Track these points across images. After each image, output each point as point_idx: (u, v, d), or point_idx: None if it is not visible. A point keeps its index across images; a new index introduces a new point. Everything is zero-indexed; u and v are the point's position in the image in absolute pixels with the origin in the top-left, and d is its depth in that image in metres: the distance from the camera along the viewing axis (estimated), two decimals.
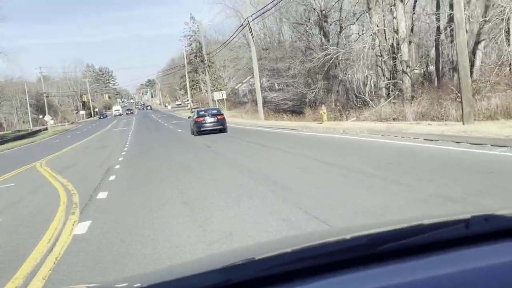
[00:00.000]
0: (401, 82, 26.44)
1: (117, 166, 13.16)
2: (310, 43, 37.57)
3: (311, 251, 1.20)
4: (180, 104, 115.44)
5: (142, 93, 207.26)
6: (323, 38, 34.64)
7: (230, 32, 55.67)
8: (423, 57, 27.32)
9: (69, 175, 12.63)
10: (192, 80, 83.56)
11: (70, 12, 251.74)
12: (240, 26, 32.21)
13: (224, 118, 25.19)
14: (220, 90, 58.99)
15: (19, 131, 78.78)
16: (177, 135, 27.46)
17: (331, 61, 29.48)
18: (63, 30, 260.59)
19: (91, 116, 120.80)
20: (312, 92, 34.95)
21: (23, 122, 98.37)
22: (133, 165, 13.23)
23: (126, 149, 20.45)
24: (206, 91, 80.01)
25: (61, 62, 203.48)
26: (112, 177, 10.89)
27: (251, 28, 29.60)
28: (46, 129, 72.54)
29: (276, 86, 46.03)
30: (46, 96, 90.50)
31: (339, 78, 34.28)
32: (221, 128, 24.12)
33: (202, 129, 23.73)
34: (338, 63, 32.54)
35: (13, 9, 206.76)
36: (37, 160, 19.74)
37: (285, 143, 15.28)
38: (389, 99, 26.50)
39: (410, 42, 26.61)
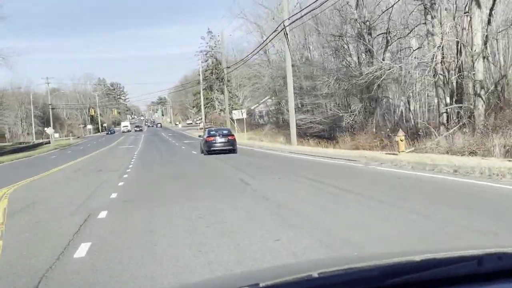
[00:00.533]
0: (471, 106, 21.33)
1: (103, 214, 7.93)
2: (347, 59, 32.70)
3: (320, 280, 1.15)
4: (191, 123, 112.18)
5: (153, 111, 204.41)
6: (365, 54, 29.77)
7: (250, 49, 51.22)
8: (500, 78, 22.21)
9: (20, 225, 7.54)
10: (206, 98, 79.05)
11: (83, 28, 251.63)
12: (274, 31, 27.38)
13: (234, 139, 24.67)
14: (236, 109, 54.11)
15: (20, 143, 74.69)
16: (192, 159, 22.63)
17: (381, 78, 24.45)
18: (75, 45, 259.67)
19: (98, 131, 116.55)
20: (350, 116, 29.86)
21: (28, 133, 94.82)
22: (129, 214, 8.06)
23: (126, 176, 15.42)
24: (221, 110, 75.35)
25: (72, 75, 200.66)
26: (84, 247, 5.63)
27: (287, 34, 24.73)
28: (49, 142, 67.90)
29: (300, 107, 41.02)
30: (52, 108, 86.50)
31: (383, 99, 29.28)
32: (230, 148, 23.81)
33: (212, 148, 23.53)
34: (382, 83, 27.51)
35: (28, 21, 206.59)
36: (9, 185, 15.00)
37: (386, 192, 9.91)
38: (455, 127, 21.42)
39: (484, 58, 21.58)
